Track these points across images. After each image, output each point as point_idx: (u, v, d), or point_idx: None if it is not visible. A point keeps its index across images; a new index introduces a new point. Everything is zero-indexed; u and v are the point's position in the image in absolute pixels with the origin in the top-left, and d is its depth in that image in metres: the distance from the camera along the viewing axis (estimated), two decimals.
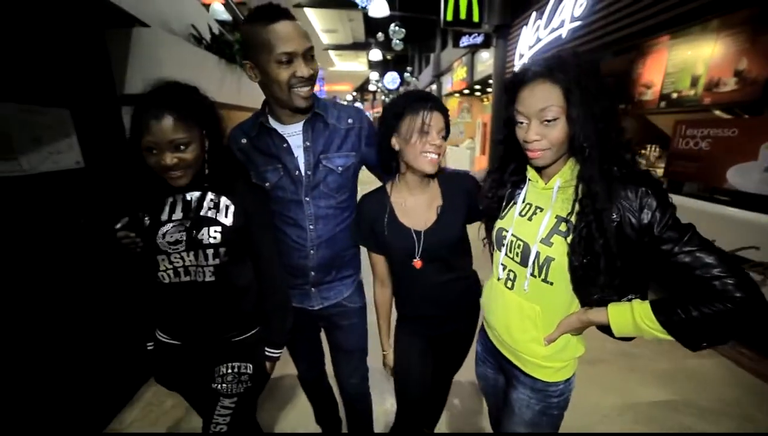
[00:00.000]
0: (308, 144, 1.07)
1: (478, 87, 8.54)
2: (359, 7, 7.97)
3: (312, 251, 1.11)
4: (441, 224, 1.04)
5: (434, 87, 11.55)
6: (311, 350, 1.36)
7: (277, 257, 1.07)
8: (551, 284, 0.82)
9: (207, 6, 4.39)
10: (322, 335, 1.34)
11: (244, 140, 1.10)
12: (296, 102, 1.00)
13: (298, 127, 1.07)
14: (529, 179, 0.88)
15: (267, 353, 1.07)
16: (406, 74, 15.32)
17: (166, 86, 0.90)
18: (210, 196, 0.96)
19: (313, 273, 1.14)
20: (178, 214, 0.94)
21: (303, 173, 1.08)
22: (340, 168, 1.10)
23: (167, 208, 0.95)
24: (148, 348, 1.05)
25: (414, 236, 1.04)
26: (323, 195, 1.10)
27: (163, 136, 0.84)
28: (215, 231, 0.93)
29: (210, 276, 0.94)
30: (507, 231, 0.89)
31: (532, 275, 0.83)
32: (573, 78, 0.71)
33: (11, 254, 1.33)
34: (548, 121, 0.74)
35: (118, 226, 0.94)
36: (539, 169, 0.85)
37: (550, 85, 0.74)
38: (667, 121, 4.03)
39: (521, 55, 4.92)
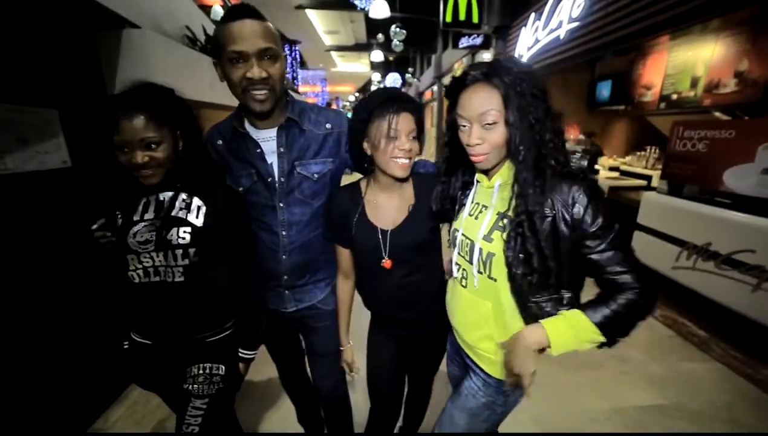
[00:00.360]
0: (282, 150, 1.05)
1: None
2: (359, 8, 7.99)
3: (284, 257, 1.10)
4: (408, 224, 1.03)
5: (435, 88, 11.53)
6: (289, 351, 1.35)
7: (249, 259, 1.06)
8: (495, 280, 0.84)
9: (208, 8, 4.43)
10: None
11: (219, 142, 1.09)
12: (251, 105, 0.96)
13: (272, 132, 1.05)
14: (477, 180, 0.91)
15: (240, 354, 1.07)
16: (408, 75, 15.34)
17: (140, 87, 0.91)
18: (182, 196, 0.96)
19: (285, 277, 1.12)
20: (150, 214, 0.94)
21: (276, 180, 1.05)
22: (315, 175, 1.08)
23: (140, 208, 0.95)
24: (124, 347, 1.05)
25: (380, 235, 1.03)
26: (298, 201, 1.08)
27: (133, 135, 0.85)
28: (185, 232, 0.93)
29: (179, 276, 0.94)
30: (458, 231, 0.93)
31: (479, 272, 0.86)
32: (510, 83, 0.74)
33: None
34: (488, 124, 0.76)
35: (95, 226, 0.95)
36: (485, 171, 0.88)
37: (489, 90, 0.76)
38: (667, 122, 4.00)
39: (520, 56, 4.91)
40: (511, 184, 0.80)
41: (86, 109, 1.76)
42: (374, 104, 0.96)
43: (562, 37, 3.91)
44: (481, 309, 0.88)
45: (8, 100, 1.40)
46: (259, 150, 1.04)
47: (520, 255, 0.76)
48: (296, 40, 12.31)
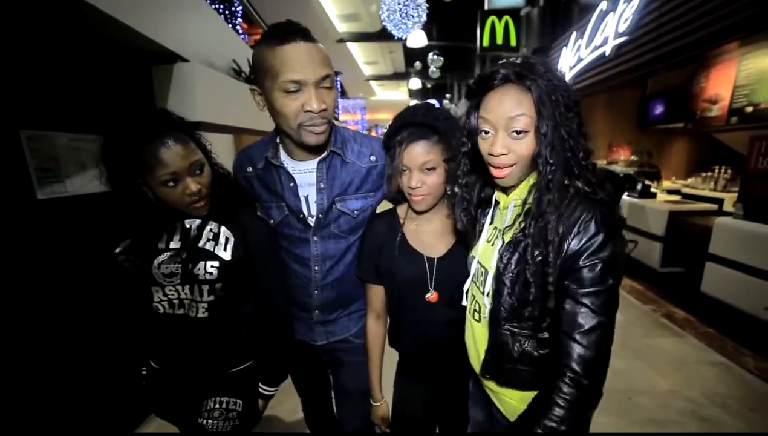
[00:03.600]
0: (322, 185, 0.94)
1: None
2: (397, 38, 8.30)
3: (316, 292, 1.02)
4: (457, 251, 0.91)
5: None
6: (316, 385, 1.24)
7: (279, 294, 0.99)
8: None
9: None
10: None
11: (249, 169, 1.00)
12: (306, 139, 0.85)
13: (311, 164, 0.94)
14: (496, 200, 0.79)
15: (261, 390, 1.00)
16: (445, 101, 15.48)
17: (154, 114, 0.85)
18: (210, 225, 0.91)
19: (317, 311, 1.04)
20: (175, 243, 0.89)
21: (311, 214, 0.96)
22: (356, 212, 0.98)
23: (164, 236, 0.90)
24: (143, 372, 1.02)
25: (426, 263, 0.92)
26: (333, 236, 0.99)
27: (180, 163, 0.79)
28: (212, 266, 0.87)
29: (203, 312, 0.89)
30: (474, 258, 0.82)
31: (490, 304, 0.76)
32: (545, 88, 0.63)
33: (52, 270, 1.43)
34: (516, 132, 0.65)
35: (118, 250, 0.91)
36: (504, 189, 0.75)
37: (521, 93, 0.65)
38: (741, 138, 3.56)
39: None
40: (523, 202, 0.70)
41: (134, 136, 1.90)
42: (388, 134, 0.90)
43: (608, 53, 3.70)
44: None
45: (73, 130, 1.53)
46: (292, 184, 0.95)
47: (509, 274, 0.69)
48: (338, 71, 13.01)
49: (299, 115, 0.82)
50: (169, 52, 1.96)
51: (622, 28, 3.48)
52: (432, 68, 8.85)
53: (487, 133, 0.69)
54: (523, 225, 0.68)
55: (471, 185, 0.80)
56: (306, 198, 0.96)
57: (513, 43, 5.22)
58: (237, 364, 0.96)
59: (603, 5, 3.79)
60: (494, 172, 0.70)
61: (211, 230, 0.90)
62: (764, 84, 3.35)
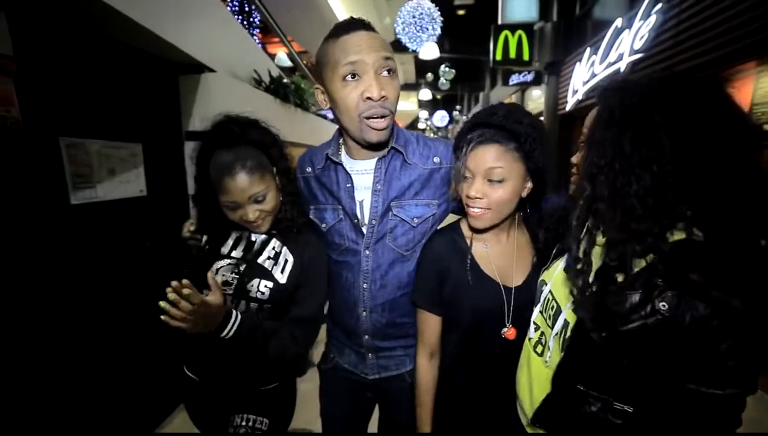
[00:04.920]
0: (379, 187, 0.88)
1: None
2: (410, 50, 8.42)
3: (364, 314, 0.91)
4: (536, 279, 0.78)
5: None
6: (355, 420, 1.07)
7: (314, 322, 0.93)
8: None
9: (273, 56, 4.92)
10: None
11: (309, 169, 0.98)
12: (367, 136, 0.81)
13: (370, 164, 0.88)
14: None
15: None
16: (455, 112, 15.59)
17: (229, 124, 0.86)
18: (274, 243, 0.91)
19: (366, 337, 0.93)
20: (238, 252, 0.91)
21: (366, 221, 0.89)
22: (415, 220, 0.88)
23: (230, 242, 0.93)
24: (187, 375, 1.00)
25: (504, 293, 0.79)
26: (388, 251, 0.89)
27: (241, 195, 0.82)
28: (266, 286, 0.87)
29: None
30: (546, 285, 0.74)
31: (560, 348, 0.67)
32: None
33: (81, 272, 1.46)
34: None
35: (186, 230, 0.94)
36: None
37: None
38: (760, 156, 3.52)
39: (575, 91, 4.74)
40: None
41: (164, 143, 1.95)
42: (462, 130, 0.80)
43: (622, 69, 3.72)
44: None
45: (104, 137, 1.59)
46: (349, 184, 0.89)
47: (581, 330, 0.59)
48: None
49: (359, 105, 0.78)
50: (197, 63, 2.02)
51: (638, 45, 3.50)
52: (442, 80, 8.95)
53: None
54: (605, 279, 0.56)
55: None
56: (361, 203, 0.90)
57: (526, 57, 5.27)
58: (268, 382, 0.96)
59: (618, 22, 3.82)
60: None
61: (273, 248, 0.91)
62: None
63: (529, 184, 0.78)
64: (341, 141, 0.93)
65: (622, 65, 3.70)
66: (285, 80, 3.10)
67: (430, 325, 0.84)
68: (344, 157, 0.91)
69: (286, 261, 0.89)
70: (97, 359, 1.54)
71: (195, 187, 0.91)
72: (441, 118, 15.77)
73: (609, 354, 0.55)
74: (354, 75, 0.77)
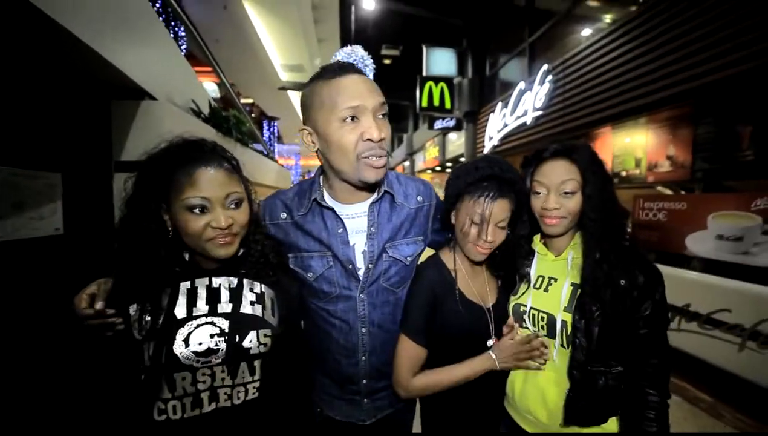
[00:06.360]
0: (374, 230, 0.87)
1: (449, 164, 9.26)
2: None
3: (363, 358, 0.89)
4: (503, 298, 0.93)
5: (407, 164, 12.40)
6: None
7: (302, 374, 0.87)
8: None
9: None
10: None
11: (283, 215, 0.90)
12: (365, 175, 0.79)
13: (361, 207, 0.88)
14: (538, 252, 0.92)
15: None
16: None
17: (201, 140, 0.74)
18: (249, 284, 0.74)
19: (365, 381, 0.90)
20: (201, 308, 0.68)
21: (362, 266, 0.87)
22: (408, 258, 0.90)
23: (182, 299, 0.68)
24: None
25: (486, 313, 0.90)
26: (383, 291, 0.89)
27: (217, 190, 0.66)
28: (266, 336, 0.70)
29: (253, 393, 0.70)
30: (525, 306, 0.89)
31: (561, 345, 0.83)
32: (588, 161, 0.83)
33: None
34: (567, 193, 0.82)
35: (98, 304, 0.63)
36: (546, 243, 0.92)
37: (569, 164, 0.84)
38: (623, 194, 4.52)
39: (490, 138, 5.50)
40: (583, 255, 0.83)
41: (88, 174, 1.69)
42: (472, 178, 0.85)
43: (528, 123, 4.50)
44: (564, 385, 0.83)
45: (11, 163, 1.32)
46: (341, 230, 0.86)
47: (584, 322, 0.79)
48: (275, 117, 13.05)
49: (359, 145, 0.77)
50: (135, 87, 1.85)
51: (538, 104, 4.31)
52: None
53: (539, 193, 0.85)
54: (586, 276, 0.80)
55: (523, 237, 0.93)
56: (353, 247, 0.88)
57: (447, 105, 5.98)
58: None
59: (521, 85, 4.66)
60: (547, 221, 0.85)
61: (252, 289, 0.74)
62: (630, 156, 4.40)
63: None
64: (324, 185, 0.90)
65: (528, 119, 4.48)
66: (224, 113, 2.98)
67: (418, 355, 0.87)
68: (332, 202, 0.88)
69: (273, 302, 0.77)
70: None
71: (126, 210, 0.69)
72: None
73: (606, 317, 0.77)
74: (354, 118, 0.77)
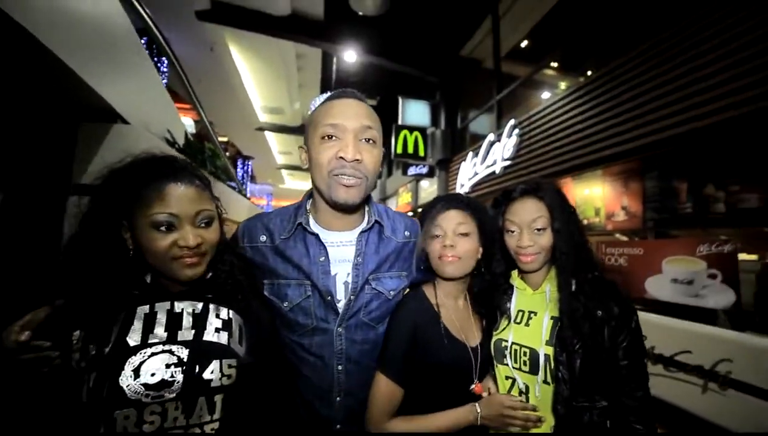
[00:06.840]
0: (360, 260, 0.85)
1: (420, 210, 9.51)
2: None
3: (338, 399, 0.83)
4: (488, 336, 0.92)
5: None
6: None
7: (276, 402, 0.80)
8: None
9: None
10: None
11: (263, 238, 0.87)
12: (335, 193, 0.79)
13: (349, 236, 0.87)
14: (516, 287, 0.94)
15: None
16: None
17: (171, 156, 0.71)
18: (216, 310, 0.69)
19: (339, 426, 0.84)
20: (159, 334, 0.62)
21: (342, 298, 0.84)
22: (392, 292, 0.88)
23: (137, 325, 0.61)
24: None
25: (470, 352, 0.87)
26: (362, 326, 0.85)
27: (186, 207, 0.63)
28: (230, 366, 0.64)
29: (210, 431, 0.63)
30: (507, 341, 0.89)
31: (545, 381, 0.82)
32: (553, 197, 0.87)
33: None
34: (538, 229, 0.85)
35: (23, 335, 0.55)
36: (523, 278, 0.94)
37: (537, 201, 0.88)
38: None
39: (462, 185, 5.74)
40: (558, 289, 0.85)
41: (39, 196, 1.57)
42: (428, 207, 0.91)
43: (497, 171, 4.78)
44: (548, 422, 0.82)
45: None
46: (323, 258, 0.84)
47: (565, 355, 0.79)
48: (250, 156, 13.08)
49: (331, 162, 0.78)
50: (108, 109, 1.80)
51: (506, 154, 4.62)
52: None
53: (512, 231, 0.88)
54: (563, 309, 0.82)
55: (501, 274, 0.94)
56: (334, 277, 0.84)
57: (421, 153, 6.28)
58: None
59: (491, 137, 5.01)
60: (523, 259, 0.86)
61: (218, 315, 0.68)
62: (590, 205, 4.76)
63: (481, 250, 0.93)
64: (311, 210, 0.89)
65: (497, 168, 4.77)
66: (199, 145, 2.95)
67: (395, 395, 0.82)
68: (318, 228, 0.87)
69: (240, 329, 0.70)
70: None
71: (80, 228, 0.64)
72: None
73: (587, 349, 0.77)
74: (332, 136, 0.78)
